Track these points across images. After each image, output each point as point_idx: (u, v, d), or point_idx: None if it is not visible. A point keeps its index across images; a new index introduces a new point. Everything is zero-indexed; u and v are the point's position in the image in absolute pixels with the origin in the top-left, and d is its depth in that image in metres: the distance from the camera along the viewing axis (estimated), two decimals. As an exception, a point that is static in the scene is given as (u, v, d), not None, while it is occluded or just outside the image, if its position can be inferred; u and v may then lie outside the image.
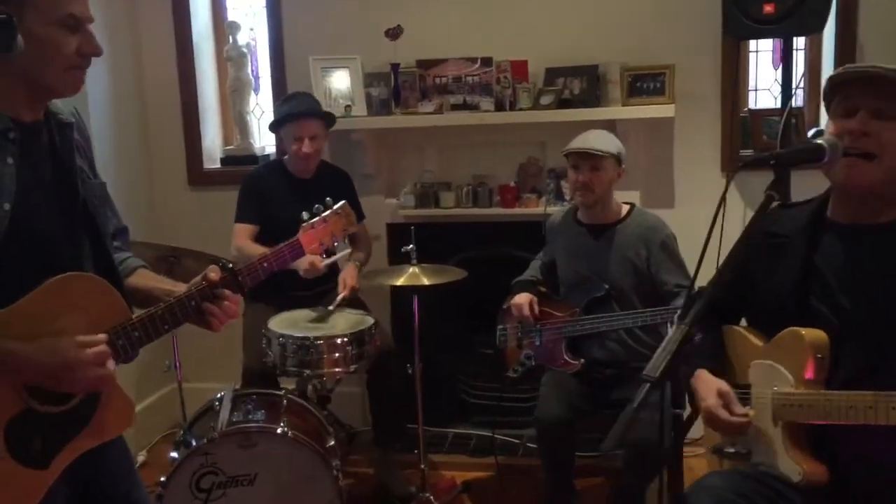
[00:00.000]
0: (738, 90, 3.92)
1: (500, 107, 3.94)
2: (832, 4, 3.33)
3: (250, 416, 2.91)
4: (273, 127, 3.74)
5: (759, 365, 1.94)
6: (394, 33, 3.94)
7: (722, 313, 2.09)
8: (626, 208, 3.20)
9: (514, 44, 4.00)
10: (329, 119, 3.69)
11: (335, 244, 2.11)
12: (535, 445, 3.91)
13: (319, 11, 4.21)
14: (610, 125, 3.85)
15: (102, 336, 1.65)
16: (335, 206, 2.08)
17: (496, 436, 4.04)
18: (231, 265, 1.87)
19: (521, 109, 3.92)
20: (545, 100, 3.89)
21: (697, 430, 2.36)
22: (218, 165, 4.50)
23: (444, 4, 4.06)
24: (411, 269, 3.29)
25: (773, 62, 4.13)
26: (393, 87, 4.01)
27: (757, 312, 2.04)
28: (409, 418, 3.80)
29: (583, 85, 3.92)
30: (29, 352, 1.58)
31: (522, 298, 3.21)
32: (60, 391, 1.64)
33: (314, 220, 2.03)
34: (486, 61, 3.92)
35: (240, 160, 4.41)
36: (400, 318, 3.98)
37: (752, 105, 4.13)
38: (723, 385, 1.94)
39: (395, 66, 3.98)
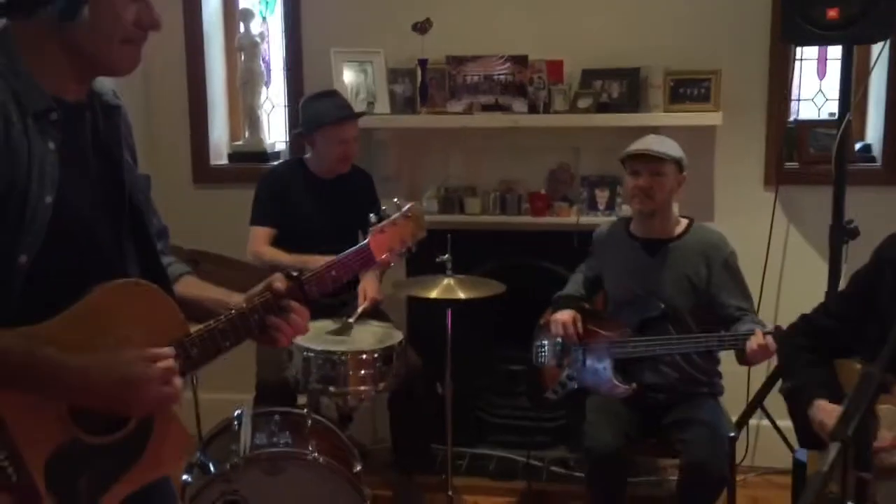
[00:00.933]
0: (785, 100, 3.72)
1: (533, 109, 3.71)
2: (898, 12, 3.13)
3: (275, 439, 2.65)
4: (310, 127, 3.44)
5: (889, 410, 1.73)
6: (422, 27, 3.70)
7: (832, 347, 1.88)
8: (684, 223, 2.98)
9: (548, 43, 3.77)
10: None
11: (403, 252, 1.86)
12: (561, 470, 3.74)
13: (341, 0, 3.95)
14: (651, 132, 3.64)
15: (170, 349, 1.41)
16: (404, 209, 1.83)
17: (520, 459, 3.82)
18: (296, 274, 1.62)
19: (555, 112, 3.70)
20: (583, 103, 3.67)
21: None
22: (225, 162, 4.22)
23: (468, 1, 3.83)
24: (446, 281, 3.05)
25: (817, 72, 3.94)
26: (420, 85, 3.76)
27: (877, 347, 1.83)
28: (432, 440, 3.57)
29: (622, 88, 3.70)
30: (86, 365, 1.32)
31: (566, 315, 2.98)
32: (118, 414, 1.39)
33: (383, 223, 1.78)
34: (521, 60, 3.69)
35: (249, 157, 4.14)
36: (418, 331, 3.72)
37: (794, 116, 3.94)
38: None
39: (422, 62, 3.74)
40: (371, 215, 1.79)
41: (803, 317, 2.08)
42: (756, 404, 3.56)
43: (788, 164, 3.74)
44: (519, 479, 3.73)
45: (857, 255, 3.34)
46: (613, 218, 3.72)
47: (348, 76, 3.84)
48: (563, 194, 3.84)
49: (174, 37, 4.05)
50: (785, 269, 3.73)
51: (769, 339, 2.50)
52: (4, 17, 1.40)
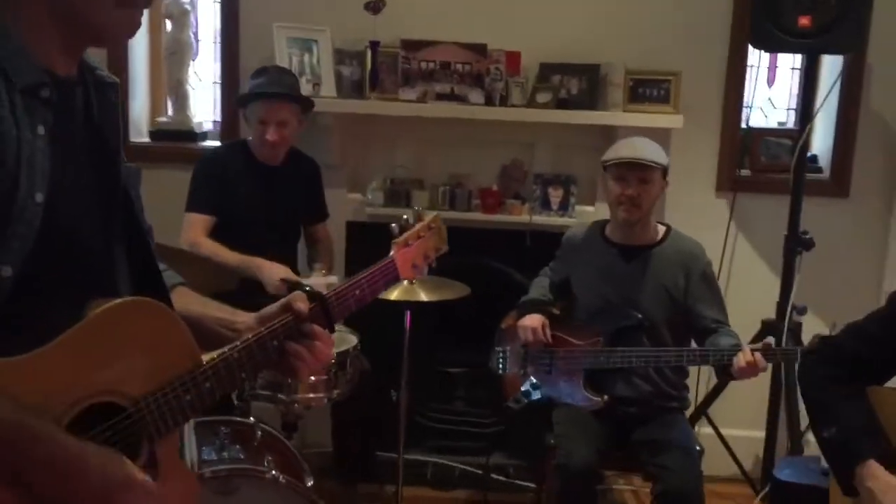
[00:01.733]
0: (739, 106, 3.69)
1: (489, 101, 3.54)
2: (870, 22, 3.14)
3: (225, 454, 2.37)
4: (239, 102, 3.18)
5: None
6: (375, 6, 3.45)
7: (867, 374, 1.78)
8: (662, 230, 2.87)
9: (504, 33, 3.60)
10: (306, 104, 3.17)
11: (426, 267, 1.65)
12: (501, 478, 3.59)
13: (284, -28, 3.66)
14: (608, 131, 3.54)
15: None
16: (427, 219, 1.63)
17: (457, 465, 3.66)
18: (316, 291, 1.39)
19: (513, 106, 3.53)
20: (542, 97, 3.53)
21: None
22: (146, 139, 3.85)
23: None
24: (405, 282, 2.83)
25: (767, 80, 3.94)
26: (370, 69, 3.52)
27: None
28: (378, 447, 3.36)
29: (581, 85, 3.58)
30: (83, 453, 1.06)
31: (534, 320, 2.83)
32: None
33: (406, 234, 1.57)
34: (479, 49, 3.51)
35: (174, 135, 3.79)
36: (368, 334, 3.48)
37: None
38: None
39: (374, 44, 3.50)
40: (392, 225, 1.58)
41: (825, 341, 1.97)
42: (701, 413, 3.53)
43: (742, 172, 3.71)
44: (459, 488, 3.57)
45: (809, 266, 3.36)
46: (567, 218, 3.62)
47: (291, 54, 3.55)
48: (515, 191, 3.69)
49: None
50: (732, 278, 3.71)
51: (758, 356, 2.43)
52: None
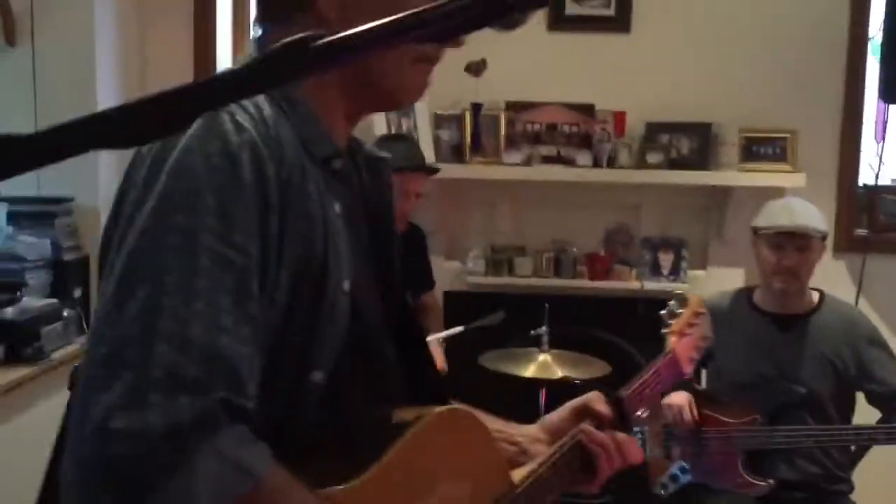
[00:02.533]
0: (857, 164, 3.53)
1: (596, 163, 3.38)
2: None
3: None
4: None
5: None
6: (477, 69, 3.32)
7: None
8: (816, 295, 2.67)
9: (609, 93, 3.46)
10: (432, 171, 3.01)
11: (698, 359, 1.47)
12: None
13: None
14: (721, 192, 3.38)
15: None
16: (693, 305, 1.44)
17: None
18: (615, 393, 1.20)
19: (621, 167, 3.38)
20: (653, 158, 3.37)
21: None
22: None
23: (527, 42, 3.47)
24: (542, 357, 2.65)
25: (875, 134, 3.78)
26: (472, 131, 3.37)
27: None
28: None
29: (692, 144, 3.42)
30: None
31: (681, 398, 2.61)
32: None
33: (679, 322, 1.39)
34: (587, 109, 3.37)
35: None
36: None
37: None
38: None
39: (476, 107, 3.36)
40: (663, 312, 1.40)
41: None
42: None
43: (858, 231, 3.53)
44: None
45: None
46: (679, 284, 3.44)
47: (389, 120, 3.40)
48: (622, 257, 3.51)
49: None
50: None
51: None
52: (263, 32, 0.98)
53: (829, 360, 2.55)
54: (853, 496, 2.64)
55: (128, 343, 0.78)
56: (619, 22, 3.47)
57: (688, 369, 1.38)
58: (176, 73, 3.39)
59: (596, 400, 1.18)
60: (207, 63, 3.52)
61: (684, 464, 2.65)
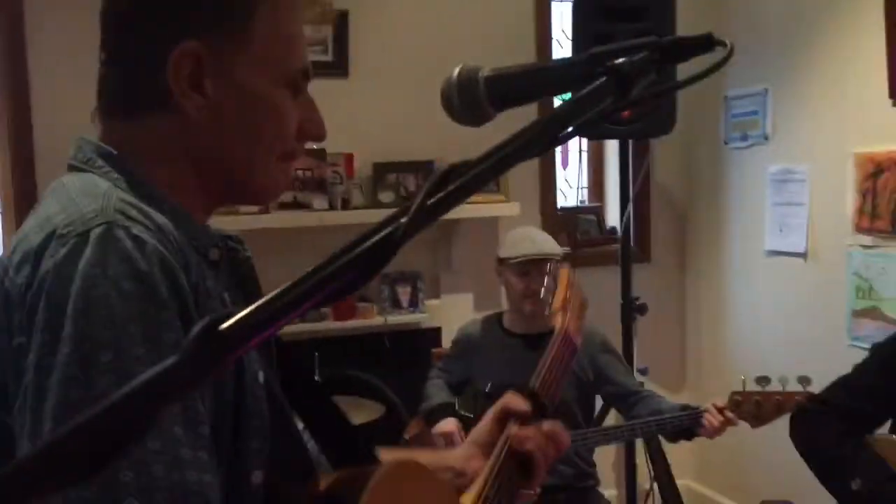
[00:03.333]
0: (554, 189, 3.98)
1: (331, 205, 3.46)
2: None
3: None
4: None
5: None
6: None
7: (868, 427, 1.99)
8: (558, 313, 2.97)
9: (337, 135, 3.53)
10: None
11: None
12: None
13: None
14: (449, 225, 3.63)
15: None
16: (565, 275, 1.52)
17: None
18: (527, 387, 1.25)
19: (355, 208, 3.49)
20: (384, 196, 3.53)
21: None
22: None
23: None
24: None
25: (561, 162, 4.28)
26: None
27: None
28: None
29: (418, 181, 3.63)
30: None
31: (451, 425, 2.77)
32: None
33: (559, 297, 1.46)
34: (318, 153, 3.43)
35: None
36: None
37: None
38: None
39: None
40: (542, 290, 1.49)
41: (824, 401, 2.11)
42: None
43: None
44: None
45: (644, 329, 3.68)
46: (419, 314, 3.63)
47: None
48: (363, 294, 3.62)
49: None
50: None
51: (728, 413, 2.51)
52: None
53: (573, 371, 2.87)
54: (600, 488, 3.00)
55: None
56: (338, 67, 3.58)
57: (578, 340, 1.44)
58: None
59: (512, 400, 1.21)
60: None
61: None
